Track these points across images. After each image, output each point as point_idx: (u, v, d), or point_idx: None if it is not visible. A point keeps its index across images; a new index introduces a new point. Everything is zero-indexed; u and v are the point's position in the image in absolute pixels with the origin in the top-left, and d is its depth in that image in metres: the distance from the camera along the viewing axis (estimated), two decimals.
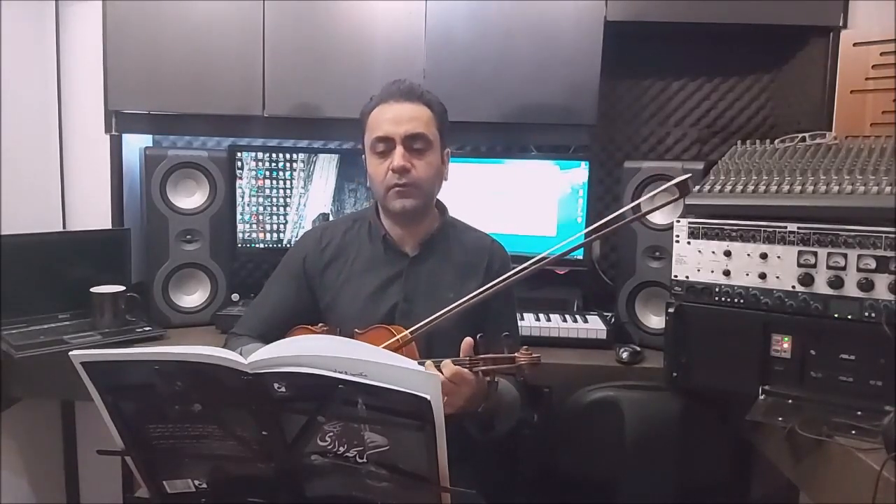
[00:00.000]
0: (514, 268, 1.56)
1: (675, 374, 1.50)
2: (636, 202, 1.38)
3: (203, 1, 1.95)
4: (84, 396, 1.05)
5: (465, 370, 1.23)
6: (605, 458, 1.62)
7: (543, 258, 1.32)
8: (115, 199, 2.09)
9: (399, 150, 1.40)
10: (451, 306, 1.32)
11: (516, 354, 1.26)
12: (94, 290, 1.86)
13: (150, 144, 2.20)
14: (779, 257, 1.37)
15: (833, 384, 1.32)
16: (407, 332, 1.34)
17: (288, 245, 2.06)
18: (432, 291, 1.47)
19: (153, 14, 1.94)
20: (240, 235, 2.10)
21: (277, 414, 1.02)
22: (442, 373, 1.20)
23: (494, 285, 1.33)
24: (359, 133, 1.50)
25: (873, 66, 1.81)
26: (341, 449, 1.04)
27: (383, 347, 1.23)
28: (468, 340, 1.26)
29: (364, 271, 1.50)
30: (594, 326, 1.86)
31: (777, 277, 1.38)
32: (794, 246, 1.35)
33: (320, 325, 1.48)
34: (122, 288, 1.89)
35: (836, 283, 1.30)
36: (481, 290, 1.33)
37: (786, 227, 1.36)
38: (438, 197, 1.54)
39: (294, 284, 1.53)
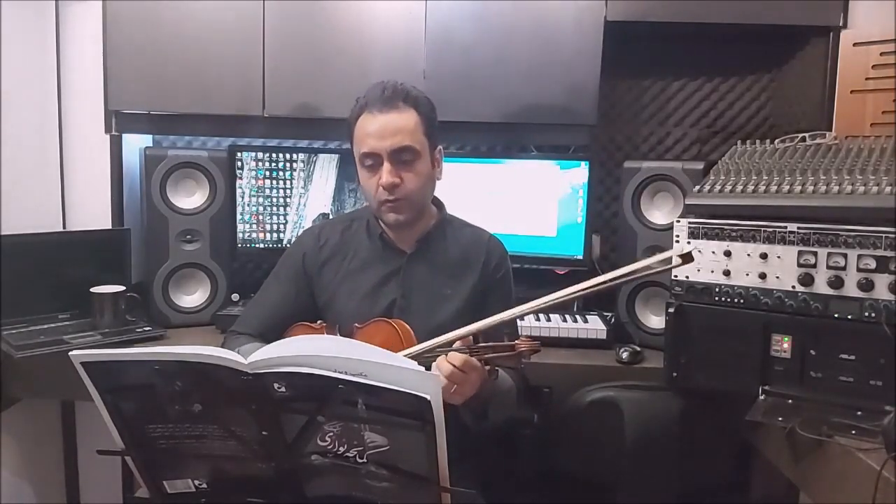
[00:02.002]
0: (511, 264, 1.57)
1: (675, 374, 1.50)
2: (648, 261, 1.34)
3: (203, 1, 1.95)
4: (84, 396, 1.05)
5: (473, 358, 1.23)
6: (605, 458, 1.62)
7: (569, 294, 1.28)
8: (115, 199, 2.08)
9: (386, 165, 1.39)
10: (465, 329, 1.28)
11: (517, 342, 1.26)
12: (94, 290, 1.86)
13: (150, 144, 2.20)
14: (779, 257, 1.37)
15: (833, 384, 1.32)
16: (417, 345, 1.32)
17: (288, 245, 2.06)
18: (429, 288, 1.48)
19: (153, 14, 1.94)
20: (240, 235, 2.10)
21: (277, 414, 1.02)
22: (451, 363, 1.20)
23: (514, 314, 1.29)
24: (348, 138, 1.49)
25: (873, 66, 1.81)
26: (341, 449, 1.04)
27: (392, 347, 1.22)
28: (466, 338, 1.25)
29: (362, 269, 1.51)
30: (594, 326, 1.86)
31: (777, 277, 1.38)
32: (794, 246, 1.35)
33: (319, 322, 1.48)
34: (122, 288, 1.89)
35: (836, 283, 1.30)
36: (497, 317, 1.29)
37: (786, 227, 1.36)
38: (436, 194, 1.55)
39: (293, 282, 1.53)
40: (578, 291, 1.27)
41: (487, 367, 1.26)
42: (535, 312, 1.90)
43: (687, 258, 1.28)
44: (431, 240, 1.52)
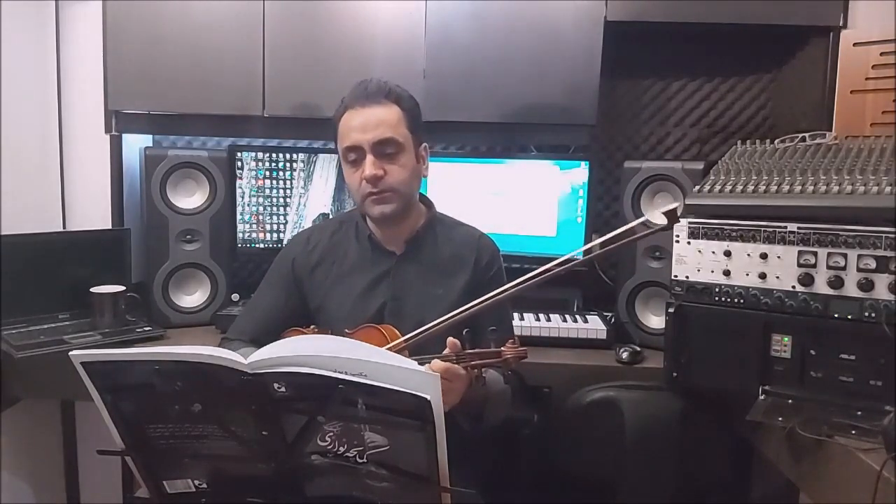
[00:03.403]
0: (511, 263, 1.58)
1: (675, 374, 1.50)
2: (638, 221, 1.34)
3: (203, 1, 1.95)
4: (84, 396, 1.05)
5: (457, 366, 1.23)
6: (605, 458, 1.62)
7: (542, 271, 1.30)
8: (115, 199, 2.08)
9: (369, 158, 1.39)
10: (446, 316, 1.31)
11: (502, 348, 1.26)
12: (94, 290, 1.86)
13: (150, 144, 2.20)
14: (779, 257, 1.37)
15: (833, 384, 1.32)
16: (401, 338, 1.34)
17: None
18: (420, 289, 1.48)
19: (153, 14, 1.94)
20: (240, 235, 2.10)
21: (277, 414, 1.02)
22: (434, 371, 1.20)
23: (494, 296, 1.31)
24: (333, 138, 1.49)
25: (873, 66, 1.81)
26: (341, 449, 1.04)
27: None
28: (452, 340, 1.25)
29: (352, 272, 1.50)
30: (594, 326, 1.86)
31: (777, 277, 1.38)
32: (794, 246, 1.35)
33: (311, 326, 1.48)
34: (122, 288, 1.89)
35: (836, 283, 1.30)
36: (479, 301, 1.32)
37: (786, 227, 1.36)
38: (433, 194, 1.54)
39: (284, 288, 1.54)
40: (570, 263, 1.27)
41: (475, 373, 1.25)
42: (535, 312, 1.91)
43: (672, 216, 1.25)
44: (421, 240, 1.51)
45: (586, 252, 1.31)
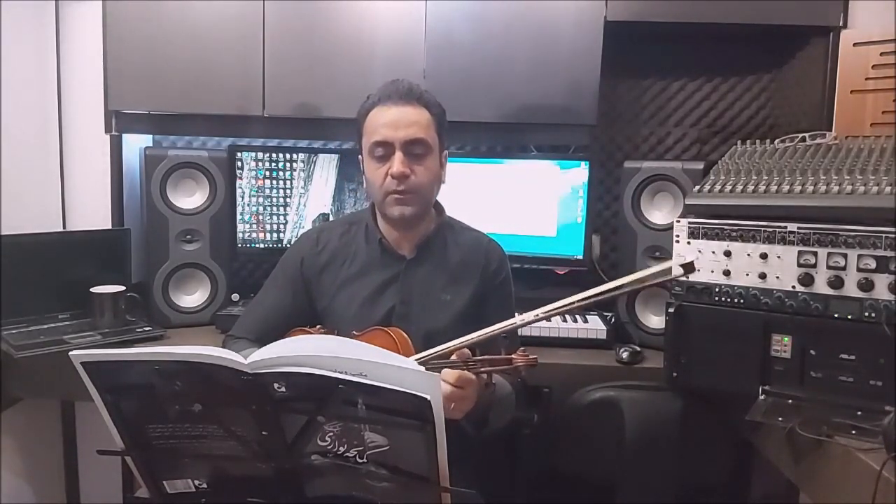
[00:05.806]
0: (511, 264, 1.57)
1: (675, 374, 1.50)
2: (641, 274, 1.36)
3: (203, 1, 1.95)
4: (84, 396, 1.05)
5: (468, 373, 1.22)
6: (605, 458, 1.62)
7: (566, 306, 1.30)
8: (115, 199, 2.09)
9: (398, 155, 1.39)
10: (466, 338, 1.30)
11: (513, 356, 1.25)
12: (94, 290, 1.86)
13: (150, 144, 2.20)
14: (779, 257, 1.37)
15: (833, 384, 1.32)
16: (415, 354, 1.33)
17: (288, 245, 2.06)
18: (429, 294, 1.47)
19: (153, 14, 1.94)
20: (240, 235, 2.10)
21: (277, 414, 1.02)
22: (446, 381, 1.19)
23: (505, 327, 1.31)
24: (356, 133, 1.49)
25: (873, 66, 1.81)
26: (341, 449, 1.04)
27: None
28: (461, 351, 1.25)
29: (360, 274, 1.50)
30: (594, 326, 1.86)
31: (777, 277, 1.38)
32: (794, 246, 1.35)
33: (318, 327, 1.48)
34: (122, 288, 1.89)
35: (836, 283, 1.30)
36: (503, 325, 1.31)
37: (786, 227, 1.36)
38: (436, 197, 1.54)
39: (291, 287, 1.53)
40: (576, 303, 1.28)
41: (485, 380, 1.25)
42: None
43: (689, 268, 1.28)
44: (431, 245, 1.51)
45: (601, 293, 1.31)
